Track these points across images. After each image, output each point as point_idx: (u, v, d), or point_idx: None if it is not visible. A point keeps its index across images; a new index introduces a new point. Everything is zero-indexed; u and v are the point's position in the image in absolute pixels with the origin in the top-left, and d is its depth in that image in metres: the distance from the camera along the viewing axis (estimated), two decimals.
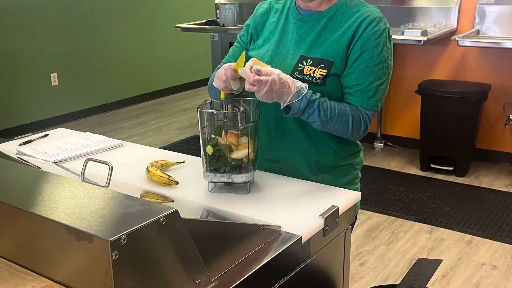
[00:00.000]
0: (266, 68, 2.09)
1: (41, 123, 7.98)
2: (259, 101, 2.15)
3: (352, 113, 2.25)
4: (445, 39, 6.26)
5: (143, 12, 9.39)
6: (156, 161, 2.41)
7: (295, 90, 2.12)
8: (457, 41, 5.73)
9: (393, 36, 5.19)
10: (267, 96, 2.07)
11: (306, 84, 2.17)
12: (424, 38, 5.78)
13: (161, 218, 1.39)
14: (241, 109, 2.25)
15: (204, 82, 10.20)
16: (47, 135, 3.00)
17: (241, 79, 2.14)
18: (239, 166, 2.14)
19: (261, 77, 2.04)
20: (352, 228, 2.34)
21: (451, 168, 6.09)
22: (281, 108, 2.18)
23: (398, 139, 6.98)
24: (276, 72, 2.07)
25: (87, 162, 1.95)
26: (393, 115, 6.96)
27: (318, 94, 2.20)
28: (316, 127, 2.25)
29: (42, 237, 1.50)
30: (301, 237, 1.87)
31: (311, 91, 2.17)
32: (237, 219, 1.92)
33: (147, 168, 2.35)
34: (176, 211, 1.44)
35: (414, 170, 6.27)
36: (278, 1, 2.52)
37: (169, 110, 9.10)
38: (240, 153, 2.12)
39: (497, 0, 6.00)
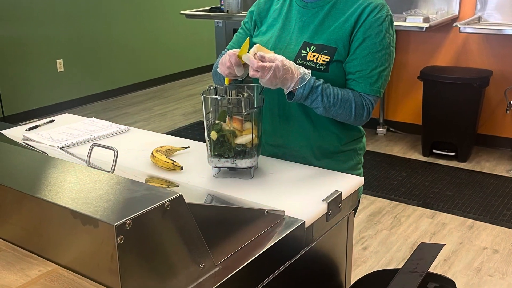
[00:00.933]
0: (270, 54, 2.09)
1: (47, 109, 7.99)
2: (263, 87, 2.15)
3: (355, 99, 2.24)
4: (447, 25, 6.24)
5: None
6: (161, 147, 2.40)
7: (299, 76, 2.12)
8: (459, 27, 5.71)
9: (396, 23, 5.17)
10: (271, 82, 2.06)
11: (309, 70, 2.17)
12: (426, 25, 5.76)
13: (166, 203, 1.39)
14: (245, 95, 2.24)
15: (208, 68, 10.22)
16: (53, 120, 3.00)
17: (245, 65, 2.14)
18: (243, 151, 2.13)
19: (265, 63, 2.03)
20: (355, 212, 2.34)
21: (453, 154, 6.09)
22: (285, 94, 2.17)
23: (400, 124, 6.97)
24: (279, 58, 2.06)
25: (92, 148, 1.95)
26: (396, 101, 6.95)
27: (321, 80, 2.19)
28: (319, 113, 2.25)
29: (48, 221, 1.50)
30: (304, 221, 1.87)
31: (314, 77, 2.16)
32: (241, 203, 1.92)
33: (152, 153, 2.34)
34: (181, 196, 1.44)
35: (416, 156, 6.27)
36: None
37: (173, 96, 9.09)
38: (244, 139, 2.12)
39: None
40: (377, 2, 2.28)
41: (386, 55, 2.27)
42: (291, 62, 2.11)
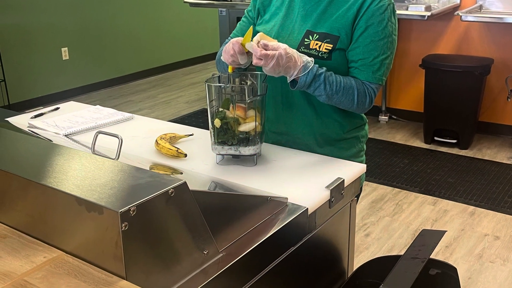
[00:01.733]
0: (273, 42, 2.09)
1: (52, 97, 7.99)
2: (266, 75, 2.15)
3: (357, 86, 2.24)
4: (449, 14, 6.23)
5: None
6: (165, 134, 2.40)
7: (301, 64, 2.11)
8: (460, 16, 5.70)
9: (398, 11, 5.14)
10: (274, 70, 2.06)
11: (312, 59, 2.17)
12: (428, 13, 5.75)
13: (170, 189, 1.39)
14: (248, 82, 2.24)
15: (212, 56, 10.21)
16: (58, 108, 2.99)
17: (249, 54, 2.14)
18: (246, 139, 2.13)
19: (268, 52, 2.03)
20: (357, 199, 2.34)
21: (454, 141, 6.08)
22: (288, 82, 2.17)
23: (402, 112, 6.97)
24: (282, 47, 2.06)
25: (97, 135, 1.94)
26: (398, 89, 6.95)
27: (324, 68, 2.19)
28: (322, 101, 2.25)
29: (53, 208, 1.50)
30: (307, 208, 1.87)
31: (317, 65, 2.16)
32: (244, 190, 1.92)
33: (156, 140, 2.34)
34: (185, 183, 1.44)
35: (418, 143, 6.26)
36: None
37: (177, 84, 9.09)
38: (248, 126, 2.12)
39: None
40: None
41: (389, 43, 2.27)
42: (294, 50, 2.11)
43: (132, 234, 1.31)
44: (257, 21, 2.52)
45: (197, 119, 7.24)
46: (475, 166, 5.64)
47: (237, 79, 2.27)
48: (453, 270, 2.18)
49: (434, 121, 6.17)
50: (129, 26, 9.07)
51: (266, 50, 2.05)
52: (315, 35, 2.29)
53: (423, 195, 5.03)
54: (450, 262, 2.58)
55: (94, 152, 1.94)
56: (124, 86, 9.02)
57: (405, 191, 5.13)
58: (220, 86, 2.18)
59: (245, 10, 2.58)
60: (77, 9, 8.27)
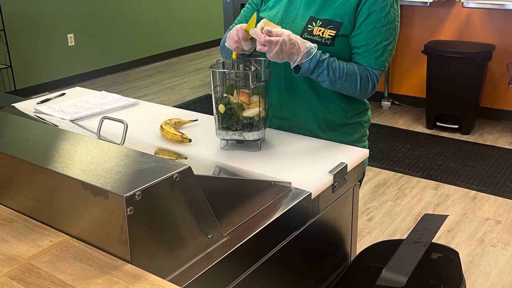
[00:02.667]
0: (277, 29, 2.08)
1: (58, 82, 7.99)
2: (270, 61, 2.14)
3: (360, 72, 2.23)
4: (451, 0, 6.21)
5: None
6: (169, 119, 2.40)
7: (305, 50, 2.11)
8: (462, 2, 5.69)
9: None
10: (278, 56, 2.06)
11: (315, 45, 2.16)
12: (430, 0, 5.73)
13: (174, 174, 1.39)
14: (252, 68, 2.24)
15: (216, 42, 10.20)
16: (64, 94, 2.99)
17: (252, 40, 2.13)
18: (250, 124, 2.13)
19: (272, 38, 2.03)
20: (360, 184, 2.34)
21: (456, 126, 6.08)
22: (291, 68, 2.17)
23: (404, 98, 6.96)
24: (286, 33, 2.06)
25: (102, 120, 1.94)
26: (400, 75, 6.93)
27: (327, 54, 2.18)
28: (325, 86, 2.24)
29: (59, 193, 1.50)
30: (310, 193, 1.86)
31: (320, 51, 2.16)
32: (248, 175, 1.92)
33: (161, 126, 2.34)
34: (189, 167, 1.43)
35: (421, 128, 6.26)
36: None
37: (182, 70, 9.08)
38: (251, 111, 2.11)
39: None
40: None
41: (391, 30, 2.26)
42: (298, 37, 2.10)
43: (137, 219, 1.31)
44: (261, 7, 2.51)
45: (201, 105, 7.23)
46: (476, 151, 5.64)
47: (241, 65, 2.26)
48: (455, 254, 2.18)
49: (436, 107, 6.16)
50: (134, 12, 9.06)
51: (270, 36, 2.04)
52: (318, 21, 2.28)
53: (425, 180, 5.02)
54: (452, 246, 2.57)
55: (99, 137, 1.94)
56: (129, 72, 9.02)
57: (408, 175, 5.13)
58: (224, 72, 2.18)
59: None
60: None
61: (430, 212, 4.43)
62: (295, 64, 2.13)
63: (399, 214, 4.40)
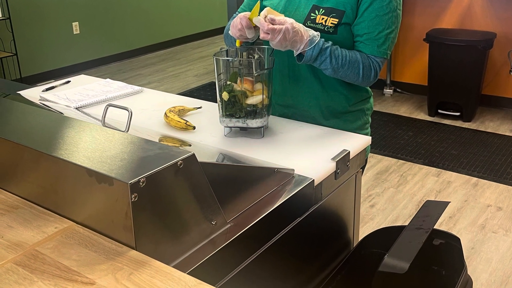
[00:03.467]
0: (280, 17, 2.08)
1: (63, 70, 7.99)
2: (273, 49, 2.14)
3: (363, 60, 2.23)
4: None
5: None
6: (174, 107, 2.40)
7: (308, 38, 2.11)
8: None
9: None
10: (281, 44, 2.06)
11: (318, 33, 2.16)
12: None
13: (178, 161, 1.39)
14: (256, 56, 2.23)
15: (219, 30, 10.19)
16: (69, 81, 2.99)
17: (256, 28, 2.13)
18: (253, 112, 2.13)
19: (275, 26, 2.03)
20: (363, 171, 2.33)
21: (457, 114, 6.07)
22: (294, 55, 2.16)
23: (407, 85, 6.95)
24: (289, 21, 2.05)
25: (107, 108, 1.94)
26: (402, 63, 6.93)
27: (330, 42, 2.18)
28: (328, 74, 2.24)
29: (64, 180, 1.50)
30: (313, 180, 1.86)
31: (323, 39, 2.15)
32: (251, 162, 1.92)
33: (165, 113, 2.34)
34: (193, 154, 1.43)
35: (422, 116, 6.25)
36: None
37: (186, 58, 9.08)
38: (255, 99, 2.11)
39: None
40: None
41: (393, 18, 2.26)
42: (300, 25, 2.10)
43: (141, 205, 1.31)
44: None
45: (205, 92, 7.23)
46: (478, 138, 5.63)
47: (244, 53, 2.26)
48: (457, 240, 2.18)
49: (438, 94, 6.15)
50: (138, 0, 9.05)
51: (273, 24, 2.04)
52: (321, 9, 2.27)
53: (427, 167, 5.02)
54: (454, 233, 2.58)
55: (104, 124, 1.94)
56: (133, 60, 9.02)
57: (410, 162, 5.13)
58: (228, 59, 2.17)
59: None
60: None
61: (432, 198, 4.43)
62: (298, 52, 2.12)
63: (401, 201, 4.40)
